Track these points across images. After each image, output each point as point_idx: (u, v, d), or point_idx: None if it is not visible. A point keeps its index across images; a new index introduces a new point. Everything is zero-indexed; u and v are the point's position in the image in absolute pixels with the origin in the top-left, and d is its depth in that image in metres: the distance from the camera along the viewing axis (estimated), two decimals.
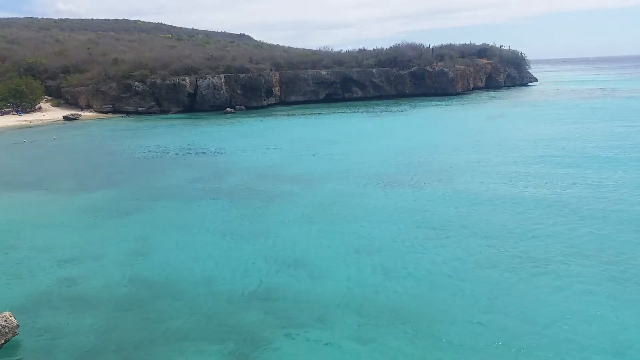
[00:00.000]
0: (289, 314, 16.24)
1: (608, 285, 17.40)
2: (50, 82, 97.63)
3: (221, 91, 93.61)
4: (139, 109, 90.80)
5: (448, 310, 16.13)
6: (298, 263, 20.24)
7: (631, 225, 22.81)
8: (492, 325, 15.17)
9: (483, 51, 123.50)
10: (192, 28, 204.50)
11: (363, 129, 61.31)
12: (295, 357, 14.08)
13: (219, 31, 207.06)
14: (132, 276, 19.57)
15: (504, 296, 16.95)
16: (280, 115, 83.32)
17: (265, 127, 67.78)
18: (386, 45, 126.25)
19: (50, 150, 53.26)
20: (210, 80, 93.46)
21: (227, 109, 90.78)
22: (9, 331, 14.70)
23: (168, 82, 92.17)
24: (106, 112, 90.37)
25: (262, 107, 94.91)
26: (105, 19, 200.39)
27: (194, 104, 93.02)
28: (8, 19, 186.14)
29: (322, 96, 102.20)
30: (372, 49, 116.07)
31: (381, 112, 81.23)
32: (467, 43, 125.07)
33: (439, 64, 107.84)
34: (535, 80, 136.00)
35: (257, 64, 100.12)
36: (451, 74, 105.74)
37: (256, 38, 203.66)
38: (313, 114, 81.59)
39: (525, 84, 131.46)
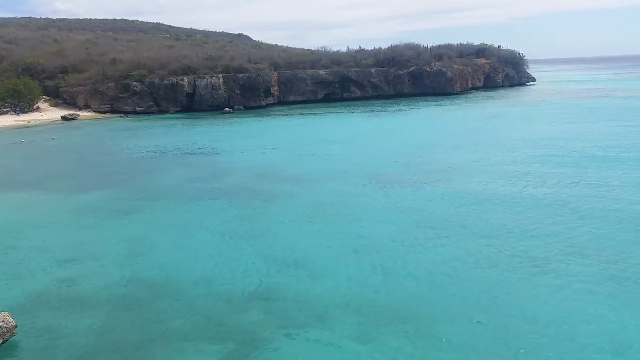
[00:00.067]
0: (289, 314, 16.23)
1: (607, 284, 17.43)
2: (48, 82, 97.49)
3: (219, 91, 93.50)
4: (137, 108, 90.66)
5: (448, 310, 16.13)
6: (298, 263, 20.23)
7: (630, 224, 22.86)
8: (492, 325, 15.18)
9: (481, 51, 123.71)
10: (191, 28, 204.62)
11: (362, 129, 61.28)
12: (295, 357, 14.06)
13: (218, 31, 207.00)
14: (132, 276, 19.54)
15: (504, 296, 16.97)
16: (279, 115, 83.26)
17: (263, 127, 67.76)
18: (385, 45, 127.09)
19: (49, 151, 53.16)
20: (209, 80, 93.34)
21: (226, 108, 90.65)
22: (7, 332, 14.65)
23: (166, 82, 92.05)
24: (104, 112, 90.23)
25: (261, 107, 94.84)
26: (103, 19, 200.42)
27: (192, 104, 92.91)
28: (6, 18, 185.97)
29: (320, 96, 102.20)
30: (370, 48, 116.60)
31: (380, 111, 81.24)
32: (465, 43, 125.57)
33: (437, 63, 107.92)
34: (534, 80, 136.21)
35: (255, 63, 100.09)
36: (449, 74, 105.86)
37: (255, 38, 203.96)
38: (312, 114, 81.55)
39: (523, 84, 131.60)
